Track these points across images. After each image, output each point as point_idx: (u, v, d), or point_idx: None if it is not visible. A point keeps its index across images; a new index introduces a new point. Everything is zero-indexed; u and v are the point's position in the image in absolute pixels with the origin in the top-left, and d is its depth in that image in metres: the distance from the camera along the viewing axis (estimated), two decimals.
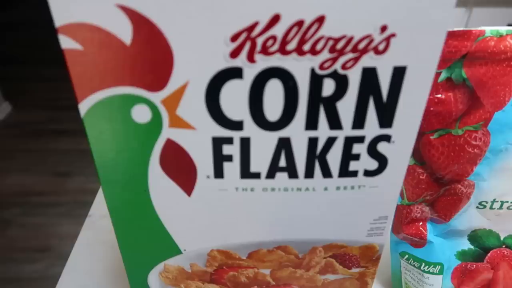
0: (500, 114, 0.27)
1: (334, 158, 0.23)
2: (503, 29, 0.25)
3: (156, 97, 0.21)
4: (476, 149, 0.28)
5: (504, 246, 0.33)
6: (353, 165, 0.24)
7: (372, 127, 0.22)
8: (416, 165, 0.29)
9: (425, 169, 0.29)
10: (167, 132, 0.22)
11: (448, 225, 0.32)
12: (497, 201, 0.30)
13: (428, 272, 0.33)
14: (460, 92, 0.26)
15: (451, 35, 0.25)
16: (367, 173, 0.24)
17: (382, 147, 0.23)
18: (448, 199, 0.30)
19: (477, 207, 0.31)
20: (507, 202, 0.30)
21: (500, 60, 0.26)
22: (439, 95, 0.26)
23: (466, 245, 0.33)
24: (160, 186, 0.25)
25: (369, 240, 0.28)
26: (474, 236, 0.33)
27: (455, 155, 0.28)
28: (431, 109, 0.27)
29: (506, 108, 0.26)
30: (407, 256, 0.34)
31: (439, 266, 0.33)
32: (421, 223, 0.32)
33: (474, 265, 0.34)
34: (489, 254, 0.33)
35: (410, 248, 0.34)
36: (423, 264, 0.33)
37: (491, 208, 0.31)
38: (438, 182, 0.30)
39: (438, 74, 0.26)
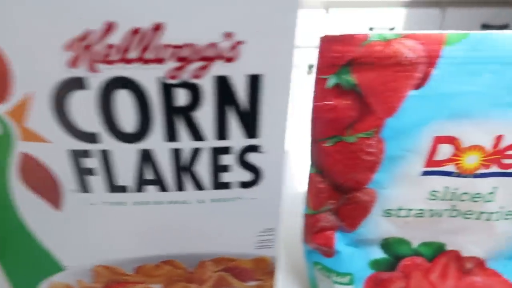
0: (393, 120, 0.26)
1: (203, 170, 0.22)
2: (388, 33, 0.24)
3: (1, 110, 0.20)
4: (372, 157, 0.27)
5: (416, 255, 0.32)
6: (224, 177, 0.23)
7: (237, 138, 0.21)
8: (316, 173, 0.28)
9: (323, 178, 0.28)
10: (21, 146, 0.21)
11: (356, 234, 0.31)
12: (403, 209, 0.29)
13: (338, 283, 0.32)
14: (351, 98, 0.25)
15: (335, 40, 0.24)
16: (243, 185, 0.23)
17: (252, 157, 0.22)
18: (350, 208, 0.29)
19: (384, 215, 0.30)
20: (413, 210, 0.29)
21: (388, 65, 0.24)
22: (329, 102, 0.25)
23: (378, 254, 0.32)
24: (27, 201, 0.23)
25: (259, 252, 0.26)
26: (386, 245, 0.32)
27: (351, 163, 0.27)
28: (322, 116, 0.26)
29: (398, 115, 0.25)
30: (319, 266, 0.33)
31: (349, 277, 0.32)
32: (329, 233, 0.31)
33: (387, 275, 0.33)
34: (401, 263, 0.32)
35: (321, 258, 0.33)
36: (334, 275, 0.32)
37: (398, 216, 0.30)
38: (338, 190, 0.28)
39: (325, 80, 0.25)
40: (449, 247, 0.32)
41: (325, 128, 0.26)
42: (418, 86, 0.25)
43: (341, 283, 0.32)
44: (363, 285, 0.33)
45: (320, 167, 0.28)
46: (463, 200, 0.29)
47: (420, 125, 0.26)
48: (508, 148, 0.27)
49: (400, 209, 0.29)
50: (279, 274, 0.41)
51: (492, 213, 0.29)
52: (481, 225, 0.30)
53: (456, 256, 0.32)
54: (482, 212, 0.29)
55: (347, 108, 0.25)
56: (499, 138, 0.27)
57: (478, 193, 0.28)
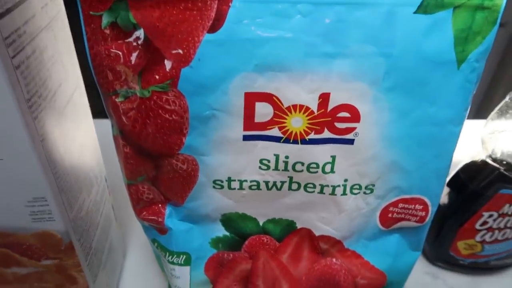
0: (189, 71, 0.21)
1: None
2: None
3: None
4: (174, 115, 0.22)
5: (264, 233, 0.28)
6: None
7: None
8: (117, 135, 0.24)
9: (126, 141, 0.24)
10: None
11: (186, 208, 0.27)
12: (234, 180, 0.25)
13: (173, 263, 0.28)
14: (134, 42, 0.21)
15: None
16: None
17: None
18: (169, 178, 0.25)
19: (215, 187, 0.26)
20: (246, 181, 0.25)
21: (175, 2, 0.20)
22: (107, 46, 0.21)
23: (221, 231, 0.28)
24: None
25: (40, 226, 0.22)
26: (227, 221, 0.28)
27: (151, 122, 0.23)
28: (103, 64, 0.21)
29: (193, 64, 0.21)
30: (156, 244, 0.29)
31: (184, 256, 0.28)
32: (157, 207, 0.27)
33: (231, 255, 0.29)
34: (246, 242, 0.28)
35: (157, 235, 0.29)
36: (167, 254, 0.28)
37: (230, 188, 0.26)
38: (147, 156, 0.24)
39: (99, 19, 0.20)
40: (299, 225, 0.28)
41: (110, 79, 0.21)
42: (213, 29, 0.20)
43: (175, 263, 0.28)
44: (204, 266, 0.29)
45: (119, 127, 0.23)
46: (299, 171, 0.25)
47: (224, 78, 0.21)
48: (339, 109, 0.23)
49: (231, 180, 0.25)
50: (129, 252, 0.37)
51: (335, 186, 0.25)
52: (327, 200, 0.26)
53: (309, 236, 0.28)
54: (324, 185, 0.25)
55: (130, 54, 0.21)
56: (325, 97, 0.22)
57: (313, 163, 0.24)
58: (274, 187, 0.26)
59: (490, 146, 0.31)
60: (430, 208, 0.27)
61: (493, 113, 0.30)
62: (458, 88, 0.22)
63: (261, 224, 0.28)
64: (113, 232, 0.33)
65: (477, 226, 0.33)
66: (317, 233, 0.28)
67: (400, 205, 0.27)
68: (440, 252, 0.37)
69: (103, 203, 0.30)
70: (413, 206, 0.27)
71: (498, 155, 0.31)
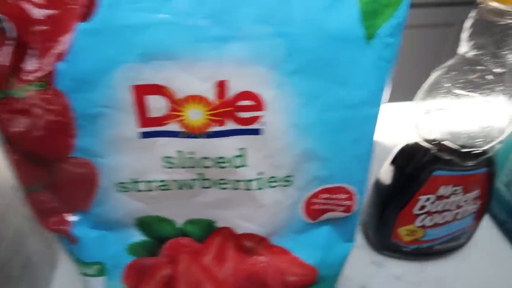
0: (65, 65, 0.19)
1: None
2: None
3: None
4: (56, 116, 0.20)
5: (183, 235, 0.26)
6: None
7: None
8: (5, 142, 0.22)
9: (13, 147, 0.21)
10: None
11: (94, 215, 0.25)
12: (140, 181, 0.23)
13: (86, 274, 0.26)
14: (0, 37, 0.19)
15: None
16: None
17: None
18: (66, 184, 0.23)
19: (120, 190, 0.23)
20: (153, 182, 0.23)
21: None
22: None
23: (137, 236, 0.26)
24: None
25: None
26: (142, 225, 0.26)
27: (33, 125, 0.20)
28: None
29: (70, 57, 0.19)
30: (71, 255, 0.27)
31: (97, 267, 0.26)
32: (62, 215, 0.25)
33: (152, 260, 0.27)
34: (165, 246, 0.26)
35: (70, 245, 0.27)
36: (80, 265, 0.26)
37: (138, 190, 0.24)
38: (38, 162, 0.22)
39: None
40: (220, 224, 0.26)
41: None
42: (86, 17, 0.18)
43: (88, 275, 0.26)
44: (121, 275, 0.27)
45: (2, 133, 0.21)
46: (207, 167, 0.23)
47: (105, 71, 0.19)
48: (239, 97, 0.21)
49: (136, 182, 0.23)
50: (61, 264, 0.34)
51: (250, 180, 0.24)
52: (243, 196, 0.24)
53: (230, 234, 0.26)
54: (237, 181, 0.24)
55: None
56: (221, 85, 0.20)
57: (221, 157, 0.22)
58: (185, 186, 0.24)
59: (421, 127, 0.30)
60: (356, 197, 0.26)
61: (420, 94, 0.29)
62: (371, 66, 0.21)
63: (179, 225, 0.26)
64: (32, 245, 0.31)
65: (416, 211, 0.32)
66: (239, 231, 0.26)
67: (323, 195, 0.25)
68: (383, 240, 0.36)
69: (9, 215, 0.28)
70: (337, 196, 0.25)
71: (429, 136, 0.29)
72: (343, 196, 0.26)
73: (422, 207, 0.32)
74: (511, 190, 0.37)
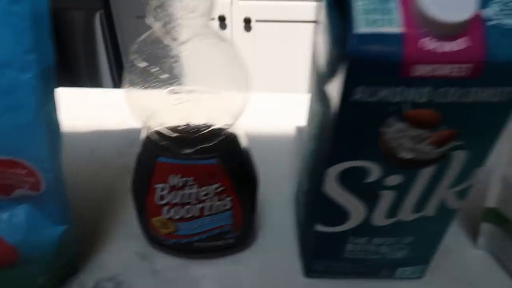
0: None
1: None
2: None
3: None
4: None
5: None
6: None
7: None
8: None
9: None
10: None
11: None
12: None
13: None
14: None
15: None
16: None
17: None
18: None
19: None
20: None
21: None
22: None
23: None
24: None
25: None
26: None
27: None
28: None
29: None
30: None
31: None
32: None
33: None
34: None
35: None
36: None
37: None
38: None
39: None
40: None
41: None
42: None
43: None
44: None
45: None
46: None
47: None
48: None
49: None
50: None
51: None
52: None
53: None
54: None
55: None
56: None
57: None
58: None
59: (130, 110, 0.29)
60: (40, 174, 0.25)
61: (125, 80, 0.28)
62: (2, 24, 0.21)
63: None
64: None
65: (158, 201, 0.32)
66: None
67: None
68: (145, 231, 0.35)
69: None
70: (13, 170, 0.25)
71: (147, 122, 0.30)
72: (22, 171, 0.25)
73: (162, 197, 0.32)
74: (299, 200, 0.37)
